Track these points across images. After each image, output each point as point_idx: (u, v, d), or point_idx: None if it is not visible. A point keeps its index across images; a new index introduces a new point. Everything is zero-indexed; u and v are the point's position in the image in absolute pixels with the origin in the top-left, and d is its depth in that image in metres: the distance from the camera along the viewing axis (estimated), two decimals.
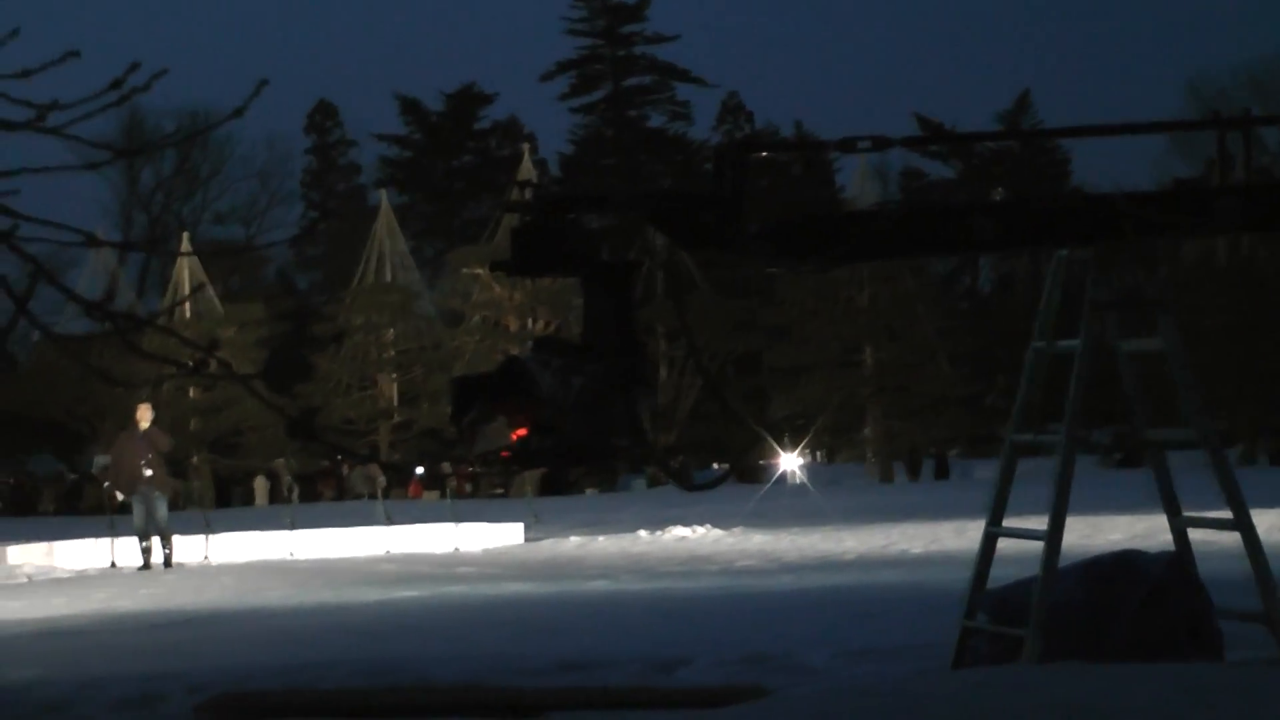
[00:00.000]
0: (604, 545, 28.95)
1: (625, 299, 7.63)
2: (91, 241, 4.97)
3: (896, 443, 68.95)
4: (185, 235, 76.80)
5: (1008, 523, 9.85)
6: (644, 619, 15.97)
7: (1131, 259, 9.44)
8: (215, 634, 16.25)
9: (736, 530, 30.43)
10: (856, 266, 53.45)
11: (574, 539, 30.49)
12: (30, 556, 29.82)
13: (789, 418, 66.54)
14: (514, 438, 7.46)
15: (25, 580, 26.01)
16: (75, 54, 4.95)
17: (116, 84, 4.87)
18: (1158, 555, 10.06)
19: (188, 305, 66.28)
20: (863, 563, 23.01)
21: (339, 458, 68.42)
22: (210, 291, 69.80)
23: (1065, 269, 9.57)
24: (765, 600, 17.59)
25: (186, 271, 70.93)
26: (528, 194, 7.85)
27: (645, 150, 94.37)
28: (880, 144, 8.33)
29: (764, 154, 5.82)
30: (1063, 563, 9.54)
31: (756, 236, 8.27)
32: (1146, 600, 9.59)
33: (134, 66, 4.91)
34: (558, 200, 8.01)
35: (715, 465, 68.55)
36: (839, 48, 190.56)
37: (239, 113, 5.18)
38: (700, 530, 30.39)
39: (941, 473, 66.85)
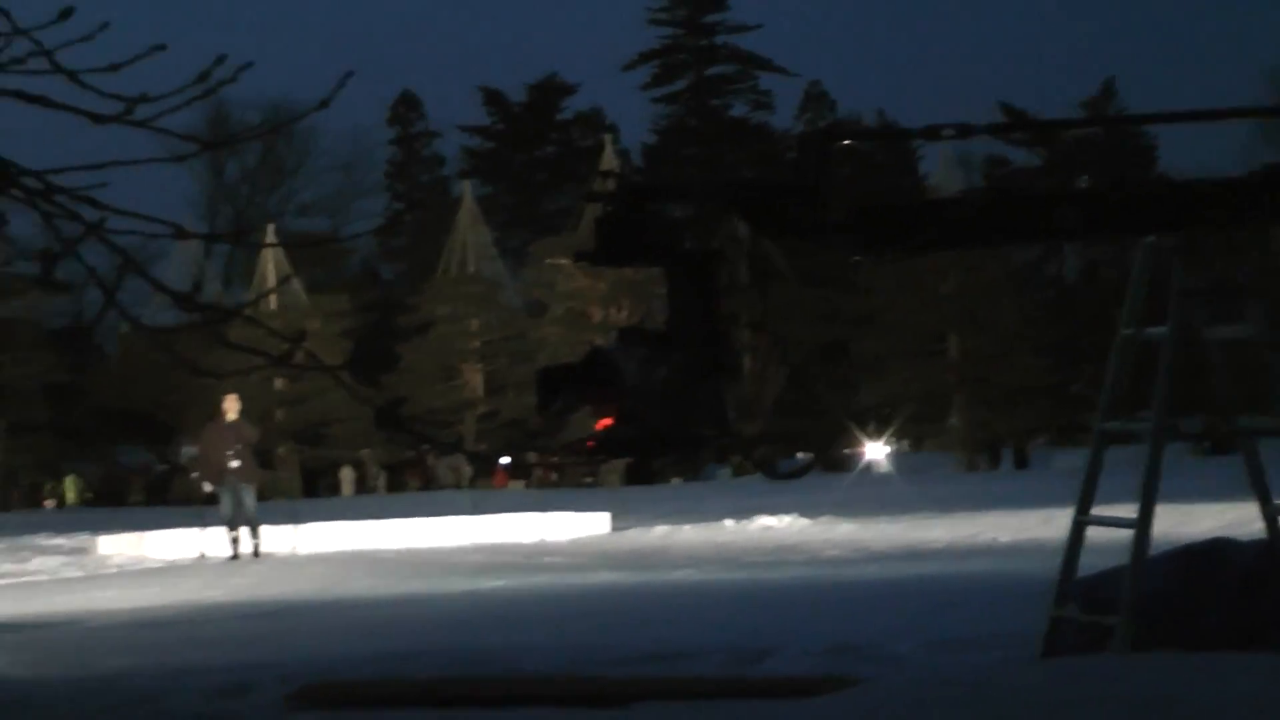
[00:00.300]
0: (690, 535, 28.94)
1: (709, 288, 7.62)
2: (179, 233, 5.00)
3: (982, 432, 68.65)
4: (270, 227, 77.17)
5: (1096, 511, 9.78)
6: (730, 609, 15.96)
7: (1220, 245, 9.33)
8: (304, 624, 16.33)
9: (823, 520, 30.37)
10: (940, 255, 53.23)
11: (660, 529, 30.49)
12: (121, 547, 30.09)
13: (874, 407, 66.34)
14: (599, 427, 7.45)
15: (116, 570, 26.24)
16: (162, 48, 4.97)
17: (203, 77, 4.89)
18: (1250, 543, 9.97)
19: (273, 297, 66.62)
20: (950, 552, 22.93)
21: (425, 448, 68.63)
22: (295, 283, 70.12)
23: (1152, 256, 9.49)
24: (852, 590, 17.55)
25: (272, 264, 71.31)
26: (610, 184, 7.85)
27: (727, 140, 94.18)
28: (964, 131, 8.27)
29: (847, 142, 5.80)
30: (1153, 551, 9.47)
31: (840, 225, 8.24)
32: (1239, 589, 9.51)
33: (220, 59, 4.93)
34: (641, 190, 7.99)
35: (800, 455, 68.43)
36: (922, 35, 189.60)
37: (324, 104, 5.20)
38: (786, 520, 30.35)
39: (1021, 462, 66.46)
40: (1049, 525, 25.20)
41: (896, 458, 63.90)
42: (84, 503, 64.44)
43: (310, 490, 64.54)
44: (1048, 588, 9.93)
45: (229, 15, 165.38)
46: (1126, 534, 9.41)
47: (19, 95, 4.82)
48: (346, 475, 66.05)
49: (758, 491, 40.17)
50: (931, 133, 8.28)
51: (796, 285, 65.92)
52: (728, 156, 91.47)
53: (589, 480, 63.11)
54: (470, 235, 74.38)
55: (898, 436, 71.13)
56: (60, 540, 34.15)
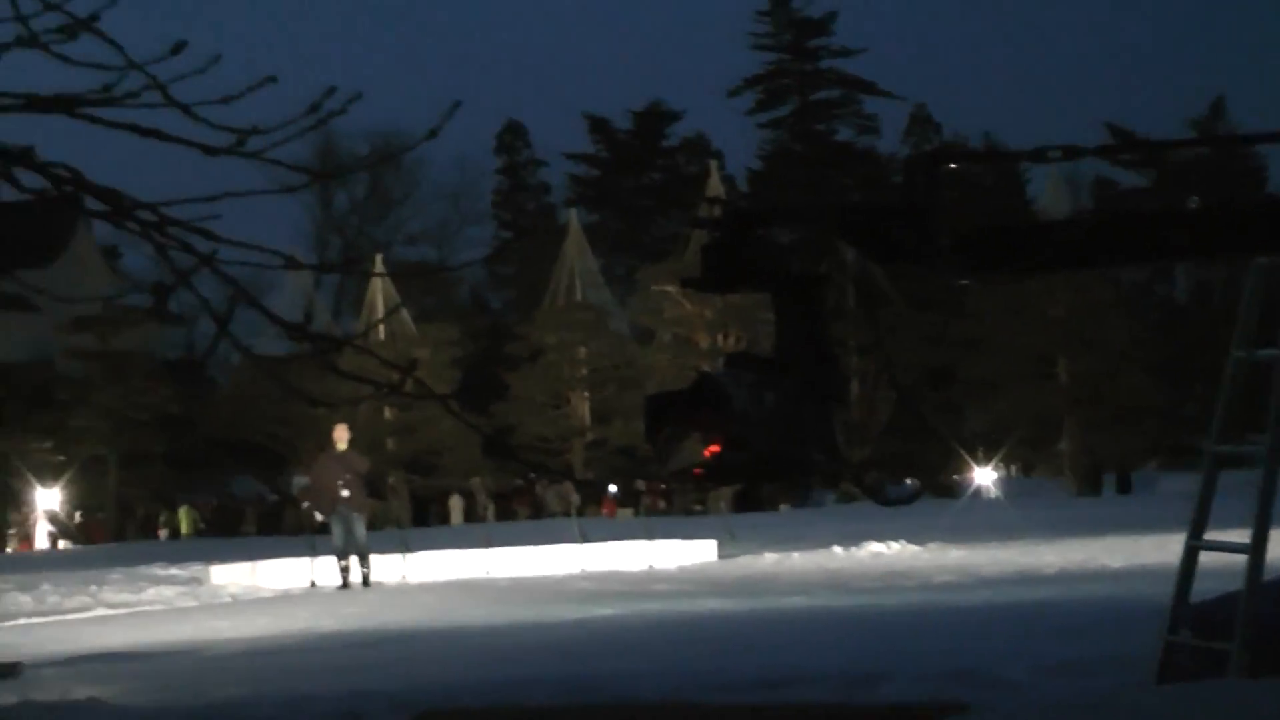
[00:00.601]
0: (799, 561, 28.87)
1: (816, 313, 7.59)
2: (290, 263, 5.06)
3: (1092, 455, 68.11)
4: (379, 257, 77.70)
5: (1209, 536, 9.70)
6: (841, 634, 15.92)
7: None
8: (417, 652, 16.41)
9: (932, 545, 30.23)
10: (1049, 277, 52.90)
11: (769, 555, 30.43)
12: (234, 577, 30.32)
13: (983, 431, 66.00)
14: (707, 454, 7.44)
15: (230, 600, 26.44)
16: (273, 79, 5.03)
17: (314, 108, 4.94)
18: None
19: (383, 326, 66.99)
20: (1062, 577, 22.77)
21: (533, 476, 68.80)
22: (404, 313, 70.54)
23: (1263, 277, 9.40)
24: (963, 615, 17.47)
25: (381, 294, 71.78)
26: (716, 210, 7.84)
27: (833, 164, 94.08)
28: (1071, 153, 8.21)
29: (954, 165, 5.77)
30: (1267, 576, 9.38)
31: (947, 248, 8.18)
32: None
33: (330, 91, 4.98)
34: (747, 215, 7.98)
35: (908, 480, 68.11)
36: (1028, 57, 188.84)
37: (433, 134, 5.24)
38: (895, 546, 30.23)
39: (1124, 487, 65.83)
40: (1161, 550, 24.98)
41: (1005, 483, 63.56)
42: (197, 533, 64.95)
43: (420, 519, 64.78)
44: (1161, 613, 9.85)
45: (338, 47, 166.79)
46: (1240, 559, 9.32)
47: (133, 129, 4.89)
48: (456, 504, 66.26)
49: (866, 518, 40.00)
50: (1038, 155, 8.23)
51: (904, 309, 65.74)
52: (833, 181, 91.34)
53: (699, 508, 63.07)
54: (577, 263, 74.60)
55: (1007, 461, 70.73)
56: (175, 570, 34.44)
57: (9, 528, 65.27)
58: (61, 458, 64.76)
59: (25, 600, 27.97)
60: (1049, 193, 75.86)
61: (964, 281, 6.70)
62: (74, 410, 65.98)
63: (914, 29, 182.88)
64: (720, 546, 31.81)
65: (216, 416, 68.85)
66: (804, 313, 7.50)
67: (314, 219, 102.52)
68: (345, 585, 27.47)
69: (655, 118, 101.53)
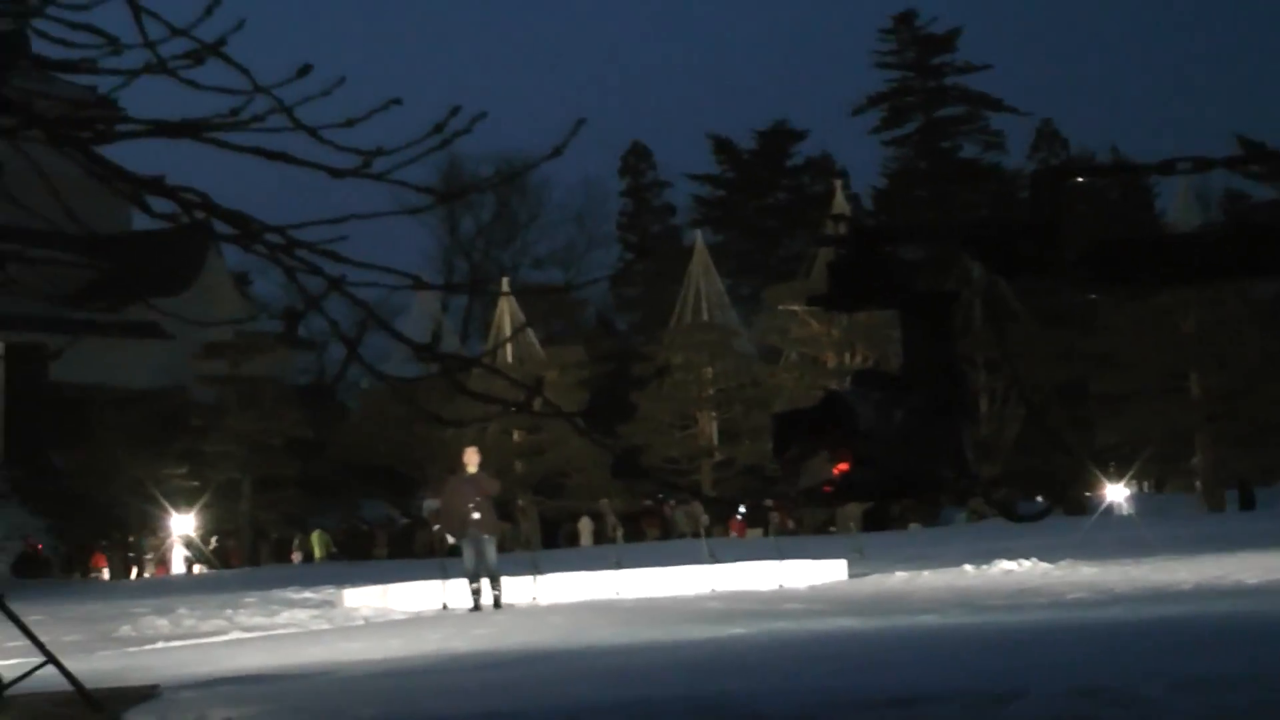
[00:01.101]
0: (929, 579, 28.73)
1: (944, 329, 7.56)
2: (417, 284, 5.10)
3: (1225, 471, 67.33)
4: (505, 280, 78.08)
5: None
6: (973, 652, 15.81)
7: None
8: (549, 673, 16.44)
9: (1064, 563, 30.00)
10: (1179, 291, 52.42)
11: (899, 574, 30.31)
12: (366, 599, 30.53)
13: (1114, 447, 65.42)
14: (836, 472, 7.42)
15: (362, 622, 26.62)
16: (397, 101, 5.06)
17: (438, 128, 4.97)
18: None
19: (510, 349, 67.28)
20: (1197, 593, 22.53)
21: (662, 497, 68.82)
22: (532, 336, 70.85)
23: None
24: (1097, 632, 17.31)
25: (508, 316, 72.13)
26: (842, 227, 7.83)
27: (959, 181, 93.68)
28: (1201, 165, 8.15)
29: (1081, 179, 5.73)
30: None
31: (1076, 263, 8.14)
32: None
33: (454, 110, 5.01)
34: (873, 232, 7.96)
35: (1039, 497, 67.64)
36: (1154, 69, 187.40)
37: (558, 152, 5.27)
38: (1026, 564, 30.03)
39: (1247, 503, 64.97)
40: None
41: (1137, 499, 62.96)
42: (330, 557, 65.44)
43: (550, 541, 64.98)
44: None
45: (462, 70, 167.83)
46: None
47: (260, 152, 4.94)
48: (585, 525, 66.40)
49: (996, 535, 39.79)
50: (1167, 167, 8.17)
51: (1033, 325, 65.30)
52: (958, 197, 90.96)
53: (833, 530, 62.88)
54: (703, 283, 74.63)
55: (1138, 478, 70.05)
56: (308, 594, 34.72)
57: (145, 553, 66.01)
58: (196, 483, 65.44)
59: (162, 624, 28.31)
60: (1178, 206, 75.17)
61: (1092, 296, 6.66)
62: (208, 436, 66.68)
63: (1039, 44, 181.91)
64: (850, 565, 31.72)
65: (347, 440, 69.38)
66: (931, 329, 7.48)
67: (440, 244, 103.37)
68: (476, 607, 27.57)
69: (779, 137, 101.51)
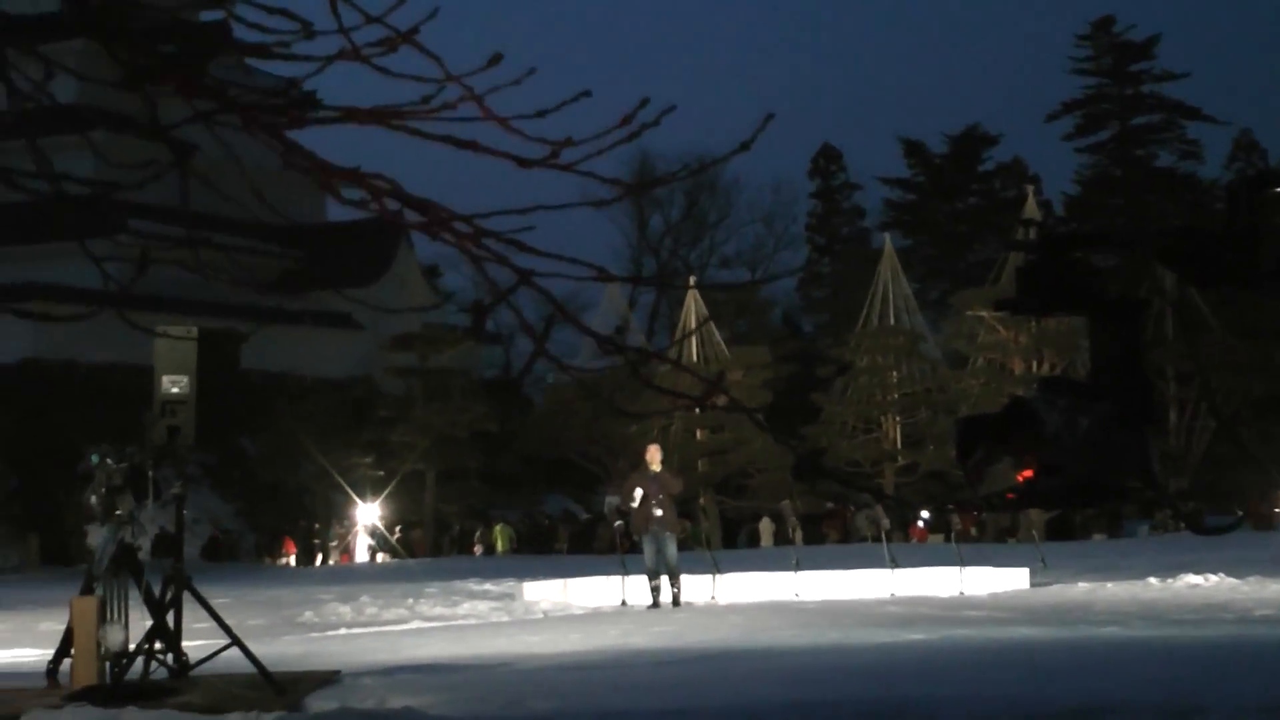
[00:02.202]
0: (1113, 591, 28.39)
1: (1134, 338, 7.47)
2: (604, 276, 5.11)
3: None
4: (692, 279, 78.20)
5: None
6: (1158, 665, 15.61)
7: None
8: (725, 671, 16.43)
9: (1252, 579, 29.53)
10: None
11: (1082, 584, 29.99)
12: (546, 593, 30.70)
13: None
14: (1020, 479, 7.35)
15: (542, 616, 26.76)
16: (587, 93, 5.07)
17: (626, 120, 4.98)
18: None
19: (695, 348, 67.37)
20: None
21: (843, 503, 68.58)
22: (717, 336, 70.88)
23: None
24: None
25: (694, 315, 72.23)
26: (1033, 232, 7.75)
27: (1153, 189, 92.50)
28: None
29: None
30: None
31: (1272, 274, 8.01)
32: None
33: (643, 102, 5.01)
34: (1064, 238, 7.88)
35: (1228, 512, 66.63)
36: None
37: (746, 146, 5.26)
38: (1214, 578, 29.59)
39: None
40: None
41: None
42: (511, 550, 65.88)
43: (730, 541, 64.98)
44: None
45: (652, 68, 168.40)
46: None
47: (451, 140, 4.97)
48: (766, 526, 66.34)
49: (1182, 548, 39.23)
50: None
51: (1225, 336, 64.33)
52: (1153, 206, 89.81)
53: (1015, 538, 62.33)
54: (891, 287, 74.29)
55: None
56: (489, 586, 34.98)
57: (331, 541, 66.83)
58: (381, 473, 66.14)
59: (345, 611, 28.66)
60: None
61: None
62: (394, 427, 67.34)
63: (1238, 53, 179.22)
64: (1032, 574, 31.43)
65: (531, 435, 69.80)
66: (1121, 337, 7.38)
67: (629, 241, 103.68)
68: (655, 604, 27.62)
69: (972, 142, 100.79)
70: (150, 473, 15.22)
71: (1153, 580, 29.89)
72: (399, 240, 79.10)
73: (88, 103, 53.13)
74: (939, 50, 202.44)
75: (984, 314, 65.53)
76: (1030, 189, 78.90)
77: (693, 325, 70.75)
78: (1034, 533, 53.14)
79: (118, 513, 14.96)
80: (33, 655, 19.93)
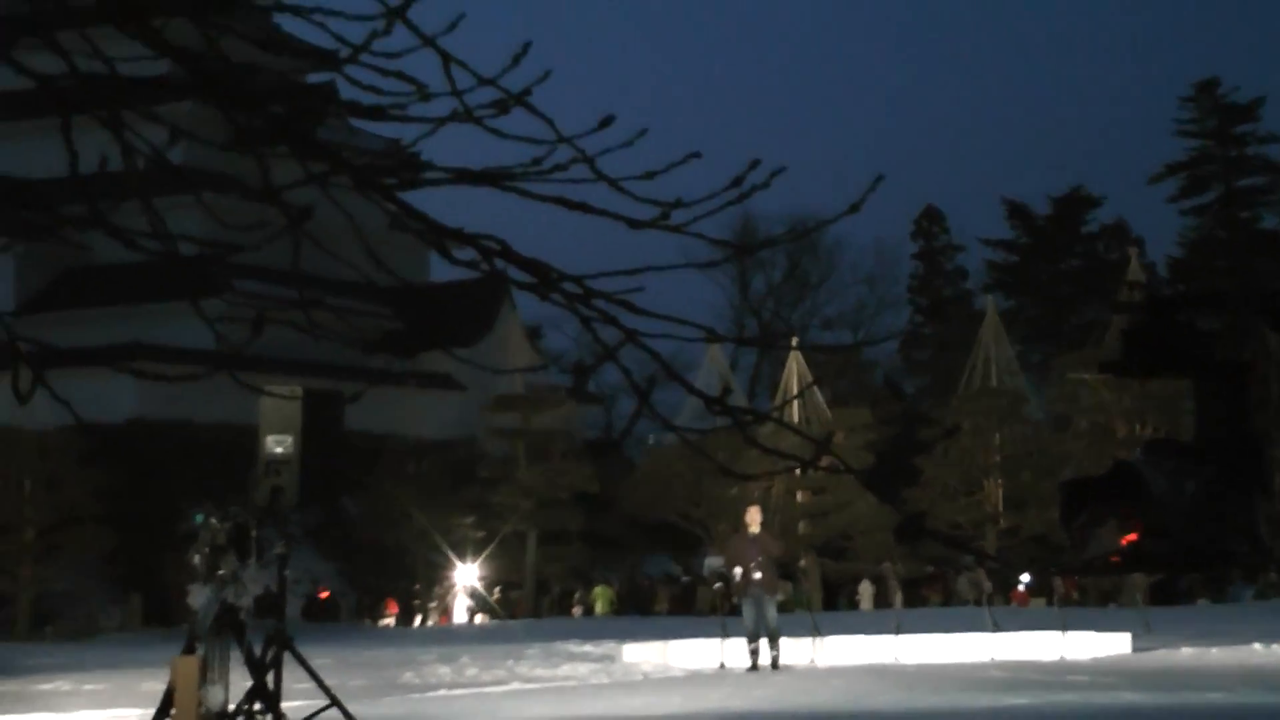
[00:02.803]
0: (1217, 657, 28.11)
1: (1240, 400, 7.45)
2: (710, 336, 5.13)
3: None
4: (794, 340, 78.14)
5: None
6: None
7: None
8: None
9: None
10: None
11: (1186, 650, 29.70)
12: (646, 655, 30.67)
13: None
14: (1124, 542, 7.33)
15: (642, 678, 26.73)
16: (697, 155, 5.11)
17: (736, 181, 5.01)
18: None
19: (797, 410, 67.24)
20: None
21: (945, 566, 68.17)
22: (819, 397, 70.73)
23: None
24: None
25: (796, 375, 72.12)
26: (1137, 294, 7.74)
27: (1258, 252, 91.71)
28: None
29: None
30: None
31: None
32: None
33: (754, 164, 5.04)
34: (1169, 300, 7.87)
35: None
36: None
37: (855, 208, 5.28)
38: None
39: None
40: None
41: None
42: (612, 611, 65.81)
43: (831, 603, 64.68)
44: None
45: (759, 130, 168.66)
46: None
47: (562, 201, 5.02)
48: (866, 589, 66.02)
49: None
50: None
51: None
52: (1258, 268, 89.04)
53: (1117, 602, 61.75)
54: (993, 349, 73.93)
55: None
56: (589, 647, 34.97)
57: (430, 600, 66.97)
58: (482, 533, 66.24)
59: (445, 672, 28.73)
60: None
61: None
62: (496, 487, 67.46)
63: None
64: (1135, 639, 31.14)
65: (633, 496, 69.76)
66: (1227, 400, 7.36)
67: (731, 302, 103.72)
68: (754, 667, 27.55)
69: (1075, 203, 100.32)
70: (253, 532, 15.33)
71: (1258, 646, 29.56)
72: (501, 301, 79.42)
73: (195, 163, 53.72)
74: (1042, 112, 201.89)
75: (1087, 376, 65.09)
76: (1134, 251, 78.41)
77: (794, 386, 70.60)
78: (1137, 597, 52.65)
79: (220, 572, 15.07)
80: (134, 715, 20.07)
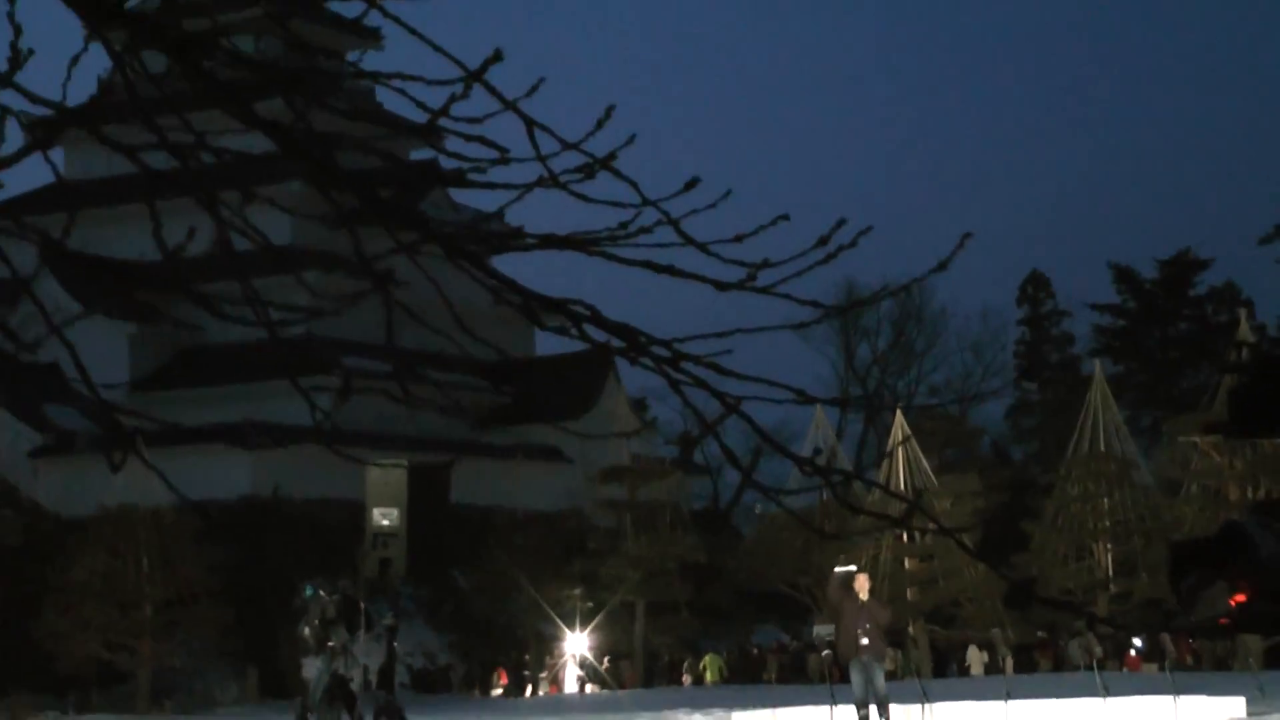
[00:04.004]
0: None
1: None
2: (805, 398, 5.13)
3: None
4: (899, 410, 77.91)
5: None
6: None
7: None
8: None
9: None
10: None
11: None
12: None
13: None
14: (1233, 603, 7.27)
15: None
16: (785, 218, 5.12)
17: (823, 240, 5.02)
18: None
19: (903, 478, 66.91)
20: None
21: (1055, 631, 67.59)
22: (925, 464, 70.38)
23: None
24: None
25: (901, 448, 71.81)
26: (1246, 354, 7.69)
27: None
28: None
29: None
30: None
31: None
32: None
33: (840, 223, 5.05)
34: (1278, 360, 7.82)
35: None
36: None
37: (943, 266, 5.28)
38: None
39: None
40: None
41: None
42: (721, 680, 65.65)
43: (940, 670, 64.24)
44: None
45: (851, 196, 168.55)
46: None
47: (648, 265, 5.04)
48: (975, 655, 65.55)
49: None
50: None
51: None
52: None
53: (1232, 666, 61.03)
54: (1101, 414, 73.41)
55: None
56: (698, 716, 34.91)
57: (540, 671, 67.02)
58: (590, 604, 66.31)
59: None
60: None
61: None
62: (604, 559, 67.55)
63: None
64: (1249, 703, 30.76)
65: (741, 566, 69.67)
66: None
67: (836, 371, 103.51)
68: None
69: (1183, 267, 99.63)
70: (363, 604, 15.44)
71: None
72: (606, 374, 79.64)
73: (300, 242, 54.34)
74: (1149, 175, 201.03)
75: (1197, 440, 64.51)
76: (1243, 313, 77.79)
77: (900, 454, 70.29)
78: (1250, 660, 52.02)
79: (331, 644, 15.18)
80: None
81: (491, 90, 5.01)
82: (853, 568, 28.89)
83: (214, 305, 5.51)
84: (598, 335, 4.97)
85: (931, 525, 5.62)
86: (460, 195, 67.61)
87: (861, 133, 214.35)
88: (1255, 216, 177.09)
